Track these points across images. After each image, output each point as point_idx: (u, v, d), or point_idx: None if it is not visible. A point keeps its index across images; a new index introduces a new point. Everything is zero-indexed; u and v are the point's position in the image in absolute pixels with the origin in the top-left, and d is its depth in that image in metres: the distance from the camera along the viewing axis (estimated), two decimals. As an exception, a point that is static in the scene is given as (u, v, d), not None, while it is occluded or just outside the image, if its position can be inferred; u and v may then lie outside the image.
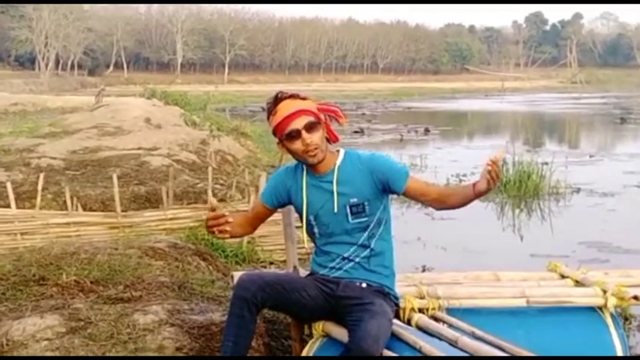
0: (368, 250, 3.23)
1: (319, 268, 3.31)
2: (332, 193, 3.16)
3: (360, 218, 3.18)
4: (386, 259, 3.30)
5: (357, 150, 3.32)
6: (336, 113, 3.23)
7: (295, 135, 3.08)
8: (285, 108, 3.11)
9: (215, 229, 3.05)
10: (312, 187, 3.21)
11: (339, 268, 3.24)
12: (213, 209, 3.04)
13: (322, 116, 3.17)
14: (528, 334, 3.37)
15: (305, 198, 3.21)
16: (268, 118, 3.20)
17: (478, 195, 3.06)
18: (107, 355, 3.55)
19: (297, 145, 3.09)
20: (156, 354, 3.63)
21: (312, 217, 3.22)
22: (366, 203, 3.16)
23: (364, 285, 3.21)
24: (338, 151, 3.25)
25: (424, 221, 9.56)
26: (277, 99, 3.16)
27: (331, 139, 3.23)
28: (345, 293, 3.18)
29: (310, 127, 3.09)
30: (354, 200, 3.15)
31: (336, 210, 3.16)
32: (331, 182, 3.17)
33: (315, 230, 3.27)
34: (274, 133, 3.17)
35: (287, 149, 3.17)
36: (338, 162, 3.19)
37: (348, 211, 3.16)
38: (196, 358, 3.06)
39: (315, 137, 3.09)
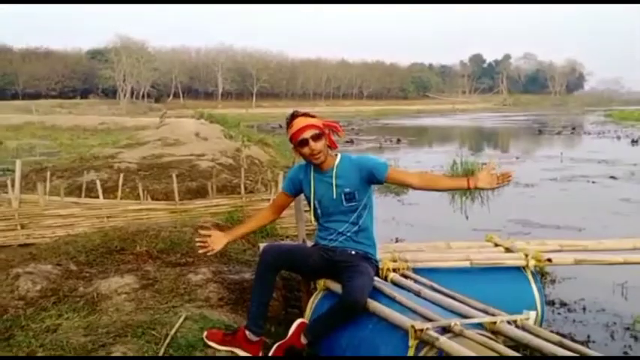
0: (356, 226, 3.26)
1: (321, 240, 3.33)
2: (332, 185, 3.21)
3: (351, 203, 3.22)
4: (369, 234, 3.32)
5: (350, 154, 3.35)
6: (336, 128, 3.30)
7: (304, 143, 3.14)
8: (298, 123, 3.17)
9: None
10: (317, 180, 3.26)
11: (335, 240, 3.27)
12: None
13: (325, 130, 3.22)
14: (471, 287, 3.36)
15: (312, 188, 3.27)
16: (287, 129, 3.26)
17: (475, 188, 3.22)
18: (169, 304, 3.57)
19: (306, 150, 3.16)
20: (204, 303, 3.64)
21: (317, 202, 3.27)
22: (356, 192, 3.21)
23: (353, 252, 3.24)
24: (337, 155, 3.29)
25: (397, 206, 9.55)
26: (293, 116, 3.25)
27: (332, 146, 3.28)
28: (340, 258, 3.21)
29: (315, 138, 3.14)
30: (347, 190, 3.19)
31: (334, 197, 3.21)
32: (331, 177, 3.22)
33: (319, 212, 3.30)
34: (290, 140, 3.23)
35: (299, 153, 3.24)
36: (336, 163, 3.25)
37: (343, 197, 3.20)
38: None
39: (319, 145, 3.15)
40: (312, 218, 3.38)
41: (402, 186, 3.39)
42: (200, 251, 3.24)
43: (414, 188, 3.30)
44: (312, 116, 3.25)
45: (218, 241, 3.22)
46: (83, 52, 78.51)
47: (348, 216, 3.24)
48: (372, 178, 3.20)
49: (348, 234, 3.25)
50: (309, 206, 3.36)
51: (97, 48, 73.96)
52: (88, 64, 73.72)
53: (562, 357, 2.46)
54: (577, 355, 2.55)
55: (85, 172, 9.30)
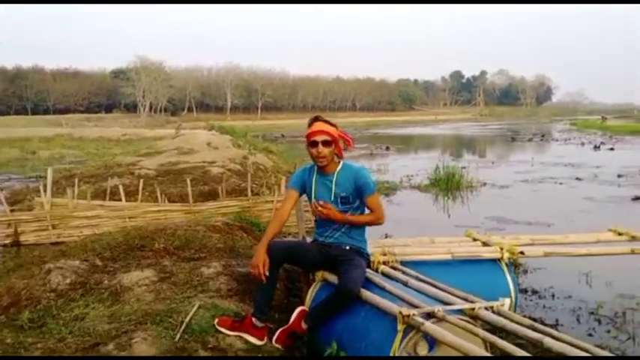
0: (349, 225, 3.24)
1: (319, 236, 3.32)
2: (331, 188, 3.21)
3: (346, 205, 3.21)
4: (361, 231, 3.32)
5: (351, 163, 3.33)
6: (347, 141, 3.31)
7: (314, 144, 3.17)
8: (316, 126, 3.21)
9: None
10: (318, 182, 3.26)
11: (331, 237, 3.26)
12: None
13: (338, 139, 3.23)
14: (453, 277, 3.36)
15: (314, 189, 3.26)
16: (307, 128, 3.27)
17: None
18: (184, 294, 3.56)
19: (313, 151, 3.18)
20: (215, 294, 3.63)
21: (316, 201, 3.25)
22: (350, 196, 3.20)
23: (347, 247, 3.23)
24: (339, 161, 3.27)
25: (386, 205, 9.47)
26: (315, 118, 3.29)
27: (339, 154, 3.27)
28: (336, 253, 3.20)
29: (325, 143, 3.16)
30: (343, 194, 3.19)
31: (332, 199, 3.21)
32: (331, 181, 3.22)
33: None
34: (306, 138, 3.24)
35: (308, 151, 3.24)
36: (338, 169, 3.25)
37: (339, 200, 3.20)
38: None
39: (326, 151, 3.17)
40: (312, 216, 3.37)
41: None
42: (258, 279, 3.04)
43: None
44: (333, 124, 3.26)
45: (262, 259, 3.01)
46: (107, 71, 78.39)
47: None
48: (359, 192, 3.20)
49: (343, 231, 3.24)
50: (310, 204, 3.35)
51: (120, 68, 73.95)
52: (112, 82, 73.65)
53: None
54: (546, 336, 2.54)
55: (109, 178, 9.30)
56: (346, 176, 3.21)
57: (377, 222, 3.23)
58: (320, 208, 3.15)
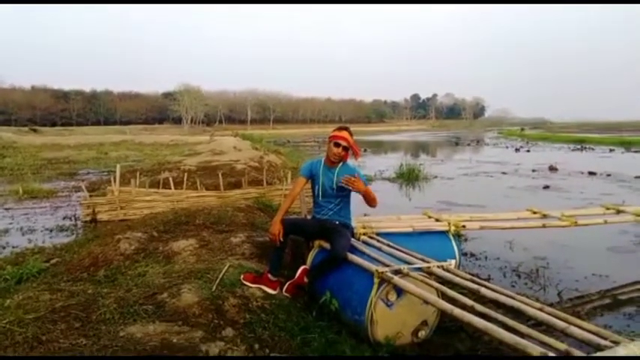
0: (340, 206, 3.23)
1: (317, 214, 3.28)
2: (333, 179, 3.17)
3: (340, 192, 3.18)
4: (348, 211, 3.29)
5: (349, 163, 3.26)
6: (356, 153, 3.23)
7: (337, 145, 3.13)
8: (343, 133, 3.17)
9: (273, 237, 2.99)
10: (324, 173, 3.20)
11: (326, 214, 3.23)
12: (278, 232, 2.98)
13: (350, 148, 3.18)
14: (414, 244, 3.36)
15: (321, 177, 3.19)
16: (335, 130, 3.22)
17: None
18: (218, 257, 3.55)
19: (334, 149, 3.14)
20: (241, 257, 3.61)
21: (320, 185, 3.19)
22: (344, 186, 3.13)
23: (337, 222, 3.21)
24: (341, 161, 3.21)
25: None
26: (345, 128, 3.23)
27: (344, 158, 3.20)
28: (329, 226, 3.17)
29: (344, 148, 3.14)
30: (340, 184, 3.13)
31: (332, 186, 3.16)
32: (334, 174, 3.17)
33: (319, 192, 3.21)
34: (330, 137, 3.19)
35: (329, 145, 3.17)
36: (339, 166, 3.20)
37: (336, 187, 3.15)
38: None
39: (342, 153, 3.16)
40: (313, 197, 3.29)
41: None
42: (274, 242, 3.03)
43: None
44: (351, 135, 3.20)
45: (278, 228, 3.00)
46: (159, 93, 77.79)
47: (336, 199, 3.20)
48: None
49: (335, 210, 3.21)
50: (312, 189, 3.27)
51: (168, 91, 73.41)
52: (162, 101, 72.98)
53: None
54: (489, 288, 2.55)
55: (161, 172, 9.23)
56: (345, 172, 3.15)
57: (375, 202, 3.14)
58: (352, 180, 3.03)
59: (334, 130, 3.22)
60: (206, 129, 62.94)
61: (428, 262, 2.95)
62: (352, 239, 3.22)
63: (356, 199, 3.33)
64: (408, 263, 2.88)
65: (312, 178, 3.27)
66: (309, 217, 3.59)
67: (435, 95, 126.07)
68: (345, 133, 3.17)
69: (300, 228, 3.26)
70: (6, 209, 7.43)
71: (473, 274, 3.53)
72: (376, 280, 2.61)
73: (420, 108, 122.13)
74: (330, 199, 3.21)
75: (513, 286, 3.95)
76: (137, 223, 4.60)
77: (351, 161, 3.29)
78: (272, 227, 3.02)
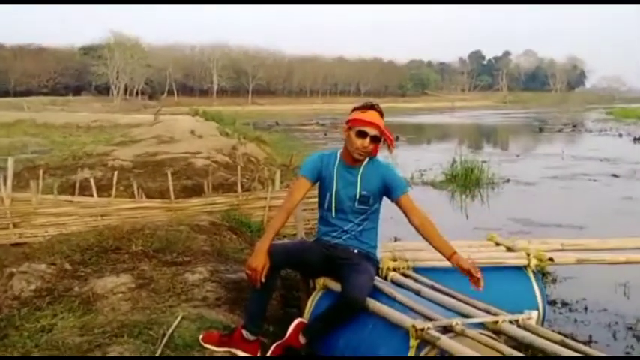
0: (362, 226, 3.23)
1: (324, 235, 3.27)
2: (355, 183, 3.17)
3: (363, 205, 3.18)
4: (373, 234, 3.30)
5: (378, 158, 3.26)
6: (390, 140, 3.23)
7: (363, 135, 3.09)
8: (371, 115, 3.13)
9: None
10: (340, 174, 3.19)
11: (339, 237, 3.23)
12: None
13: (382, 138, 3.18)
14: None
15: (335, 179, 3.18)
16: (355, 109, 3.20)
17: (452, 263, 3.15)
18: (166, 303, 3.57)
19: (359, 142, 3.10)
20: (201, 303, 3.64)
21: (333, 194, 3.18)
22: (371, 197, 3.17)
23: (356, 250, 3.21)
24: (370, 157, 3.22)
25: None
26: (372, 106, 3.20)
27: (373, 152, 3.20)
28: (341, 255, 3.18)
29: (374, 139, 3.11)
30: (364, 193, 3.15)
31: (352, 195, 3.16)
32: (356, 176, 3.17)
33: (331, 204, 3.20)
34: (349, 121, 3.17)
35: (348, 136, 3.15)
36: (365, 163, 3.19)
37: (358, 198, 3.16)
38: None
39: (372, 147, 3.13)
40: (320, 210, 3.29)
41: (405, 216, 3.29)
42: (254, 282, 2.98)
43: (411, 224, 3.25)
44: (382, 116, 3.19)
45: (261, 260, 2.96)
46: (76, 48, 78.24)
47: (356, 217, 3.20)
48: (387, 193, 3.18)
49: (352, 233, 3.21)
50: (320, 199, 3.27)
51: (90, 44, 73.76)
52: (81, 60, 73.52)
53: (565, 357, 2.45)
54: (579, 354, 2.56)
55: (78, 171, 9.27)
56: (372, 173, 3.16)
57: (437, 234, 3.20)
58: (477, 279, 3.02)
59: (356, 110, 3.19)
60: (148, 103, 63.38)
61: (495, 313, 2.94)
62: (376, 278, 3.23)
63: (385, 214, 3.33)
64: (464, 316, 2.88)
65: (319, 180, 3.24)
66: (308, 240, 3.60)
67: (507, 54, 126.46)
68: (375, 116, 3.13)
69: (296, 259, 3.26)
70: None
71: (565, 334, 3.51)
72: (413, 342, 2.61)
73: (483, 73, 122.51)
74: (347, 215, 3.20)
75: (628, 354, 3.94)
76: (40, 249, 4.60)
77: (380, 155, 3.28)
78: (252, 259, 2.98)
